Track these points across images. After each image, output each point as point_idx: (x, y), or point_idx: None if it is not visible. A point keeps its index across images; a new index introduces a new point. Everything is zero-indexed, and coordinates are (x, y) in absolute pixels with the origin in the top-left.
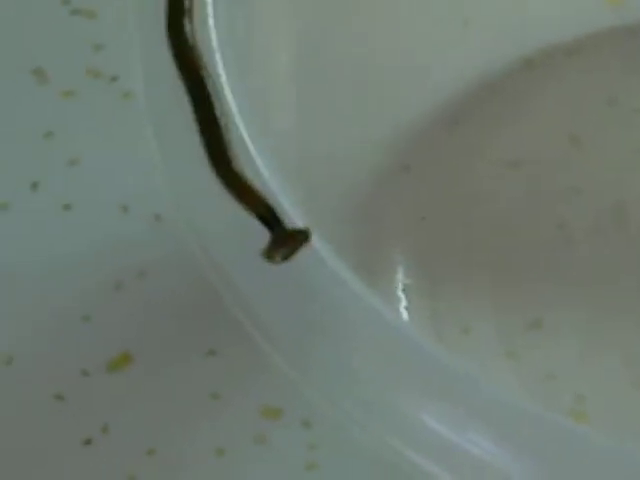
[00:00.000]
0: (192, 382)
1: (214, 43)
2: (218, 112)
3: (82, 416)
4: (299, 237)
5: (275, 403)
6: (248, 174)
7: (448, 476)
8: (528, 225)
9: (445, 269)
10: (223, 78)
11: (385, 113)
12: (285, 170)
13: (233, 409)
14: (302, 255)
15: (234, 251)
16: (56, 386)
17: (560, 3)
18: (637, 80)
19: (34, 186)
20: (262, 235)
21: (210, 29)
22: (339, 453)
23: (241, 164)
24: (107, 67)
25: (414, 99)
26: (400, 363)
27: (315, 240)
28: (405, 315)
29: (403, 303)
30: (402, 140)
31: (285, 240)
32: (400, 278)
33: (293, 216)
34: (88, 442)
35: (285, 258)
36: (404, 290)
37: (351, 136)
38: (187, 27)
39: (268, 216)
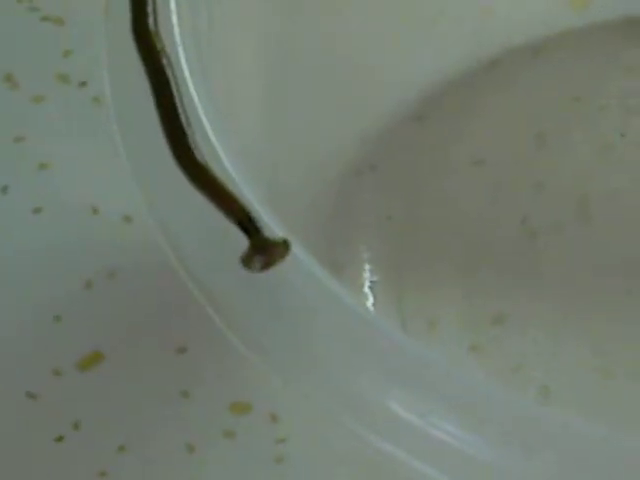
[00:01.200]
0: (162, 379)
1: (177, 40)
2: (182, 113)
3: (54, 414)
4: (278, 248)
5: (243, 398)
6: (217, 174)
7: (415, 461)
8: (493, 221)
9: (411, 266)
10: (187, 77)
11: (350, 112)
12: (251, 169)
13: (202, 405)
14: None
15: (204, 250)
16: (28, 385)
17: (526, 3)
18: (601, 79)
19: (4, 190)
20: (231, 233)
21: (173, 26)
22: (307, 445)
23: (208, 164)
24: (76, 72)
25: (380, 98)
26: (365, 351)
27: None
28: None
29: (370, 300)
30: (368, 139)
31: (264, 249)
32: (367, 275)
33: (261, 214)
34: (60, 439)
35: (263, 268)
36: (371, 287)
37: (317, 135)
38: (151, 25)
39: (247, 223)
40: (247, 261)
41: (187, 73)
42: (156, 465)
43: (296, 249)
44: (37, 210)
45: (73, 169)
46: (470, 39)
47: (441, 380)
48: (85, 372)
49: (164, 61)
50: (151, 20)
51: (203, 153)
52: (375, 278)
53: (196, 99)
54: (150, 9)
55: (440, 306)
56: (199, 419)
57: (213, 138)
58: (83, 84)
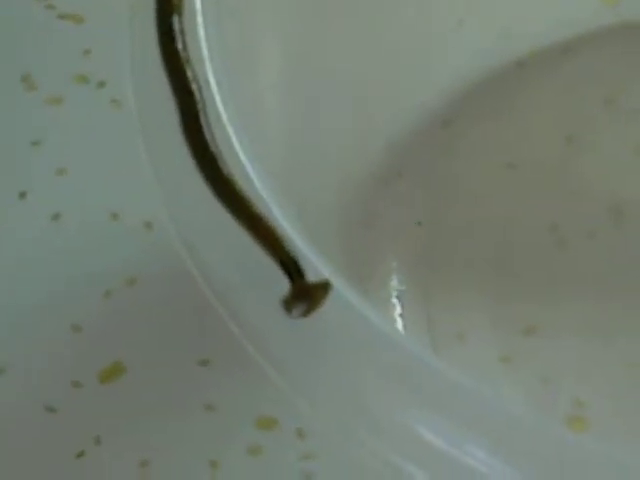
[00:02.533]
0: (185, 392)
1: (204, 53)
2: (205, 126)
3: (74, 428)
4: (320, 292)
5: (270, 413)
6: (240, 184)
7: None
8: (524, 228)
9: (440, 275)
10: (213, 89)
11: (377, 117)
12: (277, 178)
13: (227, 419)
14: None
15: (225, 261)
16: (47, 398)
17: (554, 2)
18: (634, 79)
19: (22, 195)
20: (252, 247)
21: (200, 39)
22: (334, 463)
23: (233, 176)
24: (95, 72)
25: (406, 102)
26: (395, 374)
27: (307, 249)
28: (400, 322)
29: (397, 310)
30: (395, 144)
31: (306, 294)
32: (394, 285)
33: (286, 225)
34: (81, 454)
35: (303, 315)
36: (398, 297)
37: (343, 142)
38: (178, 39)
39: (290, 266)
40: (288, 306)
41: (213, 82)
42: None
43: (321, 266)
44: (56, 216)
45: (92, 174)
46: (496, 39)
47: (473, 406)
48: (106, 384)
49: (194, 88)
50: (180, 45)
51: (240, 184)
52: (403, 287)
53: (222, 109)
54: (177, 28)
55: (470, 315)
56: (223, 434)
57: (238, 149)
58: (102, 84)
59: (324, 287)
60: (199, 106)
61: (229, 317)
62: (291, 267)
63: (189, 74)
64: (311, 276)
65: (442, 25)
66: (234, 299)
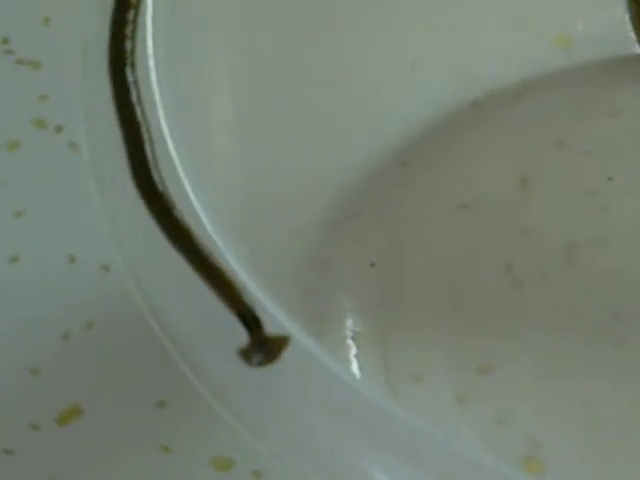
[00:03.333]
0: (142, 434)
1: (156, 97)
2: (157, 177)
3: (32, 470)
4: (279, 344)
5: (226, 454)
6: (191, 227)
7: None
8: (478, 269)
9: (395, 315)
10: (165, 133)
11: (332, 158)
12: (230, 222)
13: (184, 460)
14: None
15: (180, 305)
16: (5, 440)
17: (508, 45)
18: (586, 121)
19: None
20: (204, 289)
21: (152, 83)
22: None
23: (189, 227)
24: (52, 117)
25: (361, 143)
26: (351, 418)
27: (262, 295)
28: (355, 363)
29: (353, 351)
30: (350, 185)
31: (264, 345)
32: (350, 326)
33: (240, 272)
34: None
35: (261, 364)
36: (354, 338)
37: (297, 182)
38: (132, 91)
39: (248, 317)
40: (246, 356)
41: (165, 124)
42: None
43: (275, 310)
44: (14, 259)
45: (50, 216)
46: (451, 82)
47: (429, 449)
48: (64, 426)
49: (146, 139)
50: (134, 98)
51: (195, 231)
52: (358, 328)
53: (173, 152)
54: (131, 80)
55: (426, 355)
56: (180, 475)
57: (190, 192)
58: (59, 129)
59: (283, 340)
60: (150, 161)
61: (184, 362)
62: (249, 319)
63: (143, 128)
64: (267, 322)
65: (398, 66)
66: (189, 344)
